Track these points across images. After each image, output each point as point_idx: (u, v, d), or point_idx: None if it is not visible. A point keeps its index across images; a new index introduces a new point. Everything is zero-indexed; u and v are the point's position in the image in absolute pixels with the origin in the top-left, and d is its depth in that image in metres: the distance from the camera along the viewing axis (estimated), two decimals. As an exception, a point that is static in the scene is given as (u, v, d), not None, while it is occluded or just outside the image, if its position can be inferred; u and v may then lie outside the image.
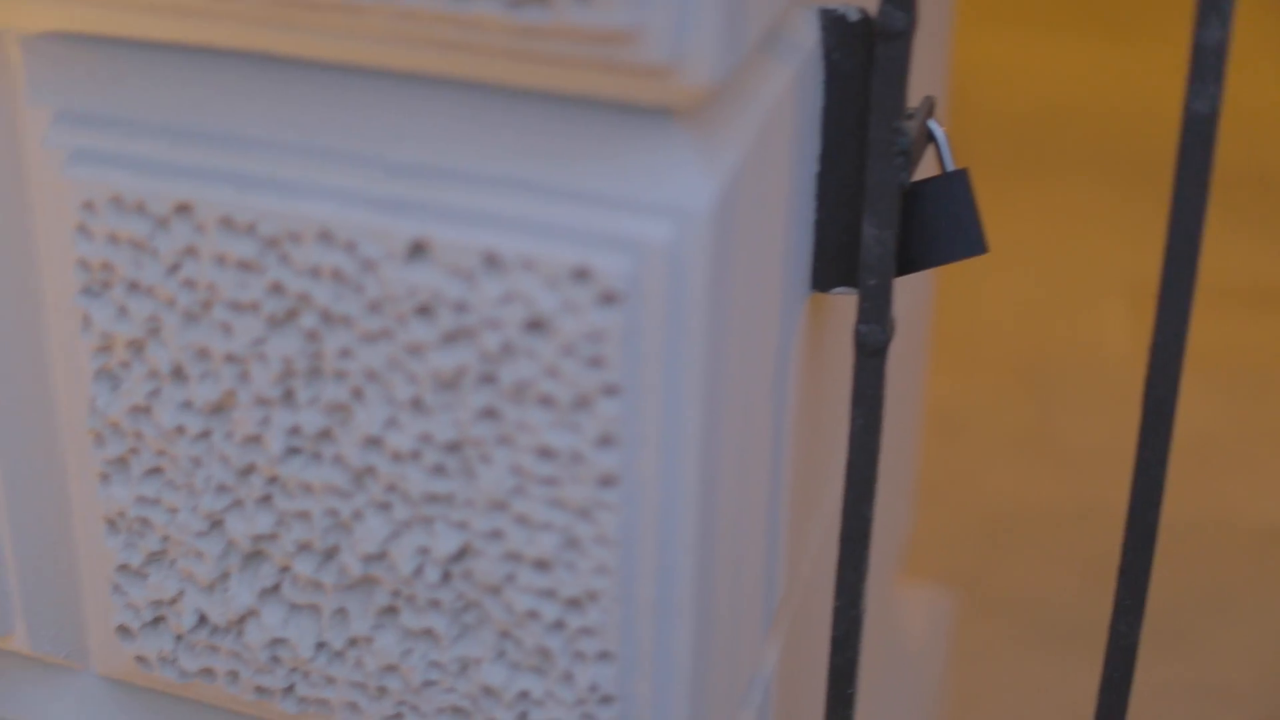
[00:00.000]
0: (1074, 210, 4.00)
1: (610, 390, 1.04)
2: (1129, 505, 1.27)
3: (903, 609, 2.54)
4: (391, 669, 1.19)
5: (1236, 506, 3.06)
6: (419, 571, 1.15)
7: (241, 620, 1.22)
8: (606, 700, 1.14)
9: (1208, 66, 1.13)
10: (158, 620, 1.25)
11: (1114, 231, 3.83)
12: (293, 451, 1.14)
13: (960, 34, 4.80)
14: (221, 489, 1.17)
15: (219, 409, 1.15)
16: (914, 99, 1.23)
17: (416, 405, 1.09)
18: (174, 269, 1.11)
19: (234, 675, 1.24)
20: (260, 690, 1.23)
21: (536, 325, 1.04)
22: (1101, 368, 3.36)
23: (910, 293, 1.91)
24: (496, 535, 1.11)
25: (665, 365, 1.03)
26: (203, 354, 1.13)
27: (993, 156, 4.23)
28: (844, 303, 1.44)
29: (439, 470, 1.11)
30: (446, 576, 1.14)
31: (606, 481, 1.07)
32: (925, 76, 1.70)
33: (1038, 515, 2.99)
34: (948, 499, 3.03)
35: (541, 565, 1.11)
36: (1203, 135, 1.15)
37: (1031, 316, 3.59)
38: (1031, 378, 3.37)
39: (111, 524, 1.22)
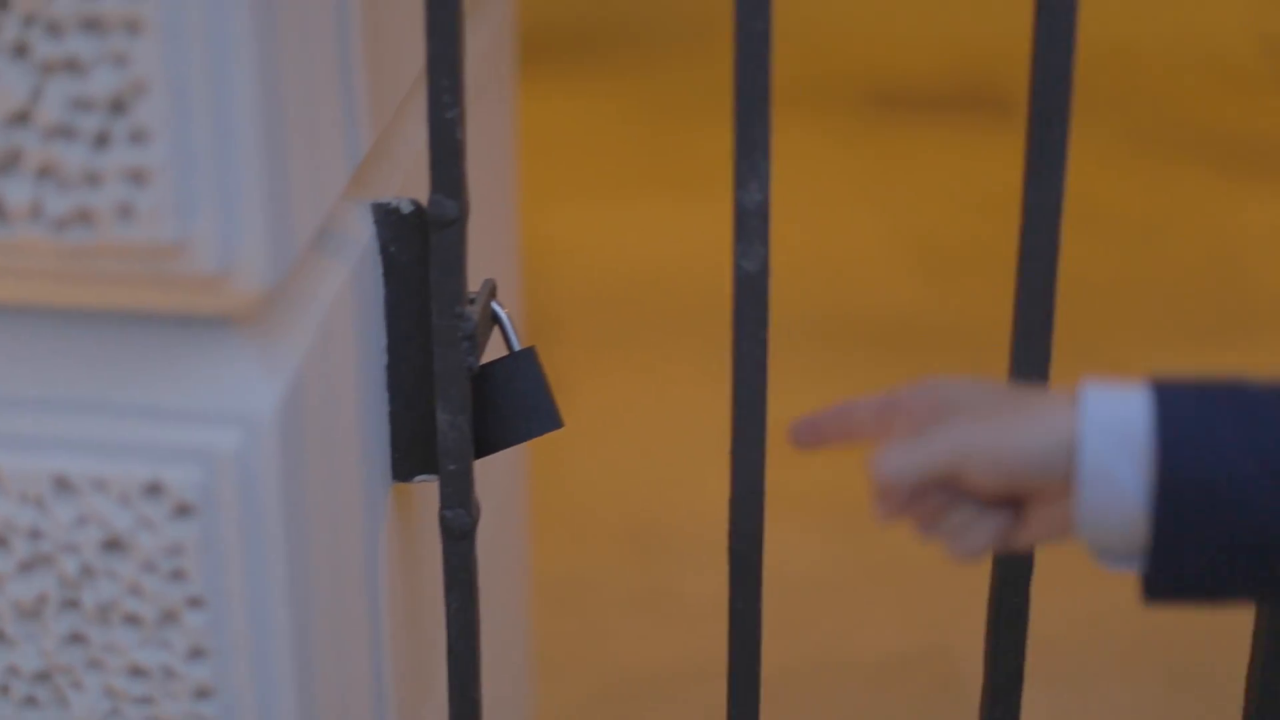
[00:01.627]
0: (667, 370, 4.08)
1: (195, 603, 1.03)
2: (729, 658, 1.30)
3: (535, 784, 2.53)
4: None
5: (847, 642, 3.13)
6: (17, 810, 1.11)
7: None
8: None
9: (751, 227, 1.18)
10: None
11: (706, 387, 3.92)
12: (-128, 702, 1.10)
13: (530, 210, 4.89)
14: None
15: None
16: (477, 282, 1.25)
17: (-1, 639, 1.07)
18: None
19: None
20: None
21: (114, 545, 1.03)
22: (708, 522, 3.43)
23: (502, 470, 1.92)
24: (95, 763, 1.09)
25: (247, 572, 1.02)
26: None
27: (582, 327, 4.30)
28: (431, 489, 1.45)
29: (30, 701, 1.08)
30: (47, 811, 1.11)
31: (202, 694, 1.06)
32: (490, 258, 1.73)
33: (660, 674, 3.03)
34: (570, 668, 3.04)
35: (144, 788, 1.09)
36: (754, 291, 1.20)
37: (636, 479, 3.65)
38: (642, 539, 3.42)
39: None
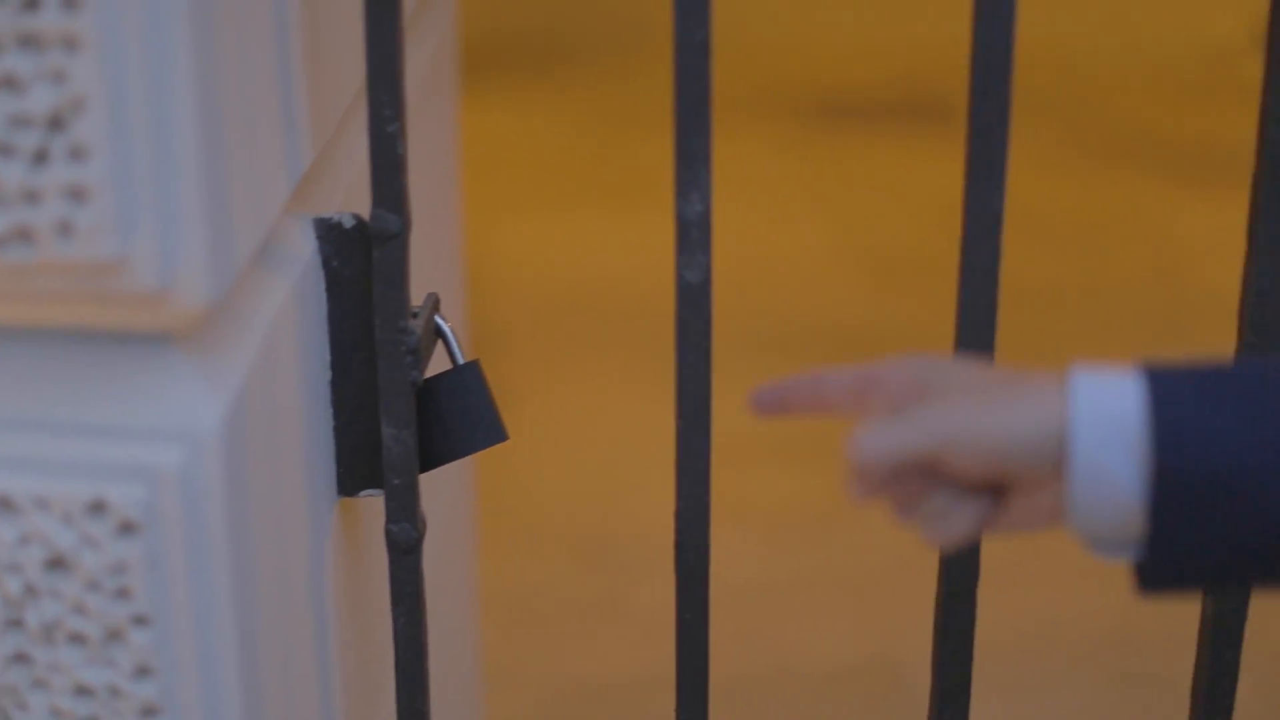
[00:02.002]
0: (613, 381, 4.08)
1: (140, 621, 1.03)
2: (677, 668, 1.30)
3: (486, 798, 2.53)
4: None
5: (795, 652, 3.14)
6: (-37, 832, 1.11)
7: None
8: None
9: (693, 238, 1.18)
10: None
11: (652, 398, 3.92)
12: None
13: (473, 223, 4.88)
14: None
15: None
16: (420, 296, 1.25)
17: (-58, 661, 1.06)
18: None
19: None
20: None
21: (57, 564, 1.02)
22: (656, 532, 3.42)
23: (448, 483, 1.92)
24: (41, 783, 1.08)
25: (192, 589, 1.02)
26: None
27: (527, 340, 4.29)
28: (377, 503, 1.44)
29: (-27, 724, 1.08)
30: (-8, 833, 1.11)
31: (148, 712, 1.05)
32: (433, 272, 1.73)
33: (609, 685, 3.02)
34: (519, 679, 3.03)
35: (90, 808, 1.08)
36: (697, 302, 1.20)
37: (583, 490, 3.64)
38: (589, 550, 3.42)
39: None
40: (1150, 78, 6.20)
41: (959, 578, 1.28)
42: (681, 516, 1.26)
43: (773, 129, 5.71)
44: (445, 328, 1.27)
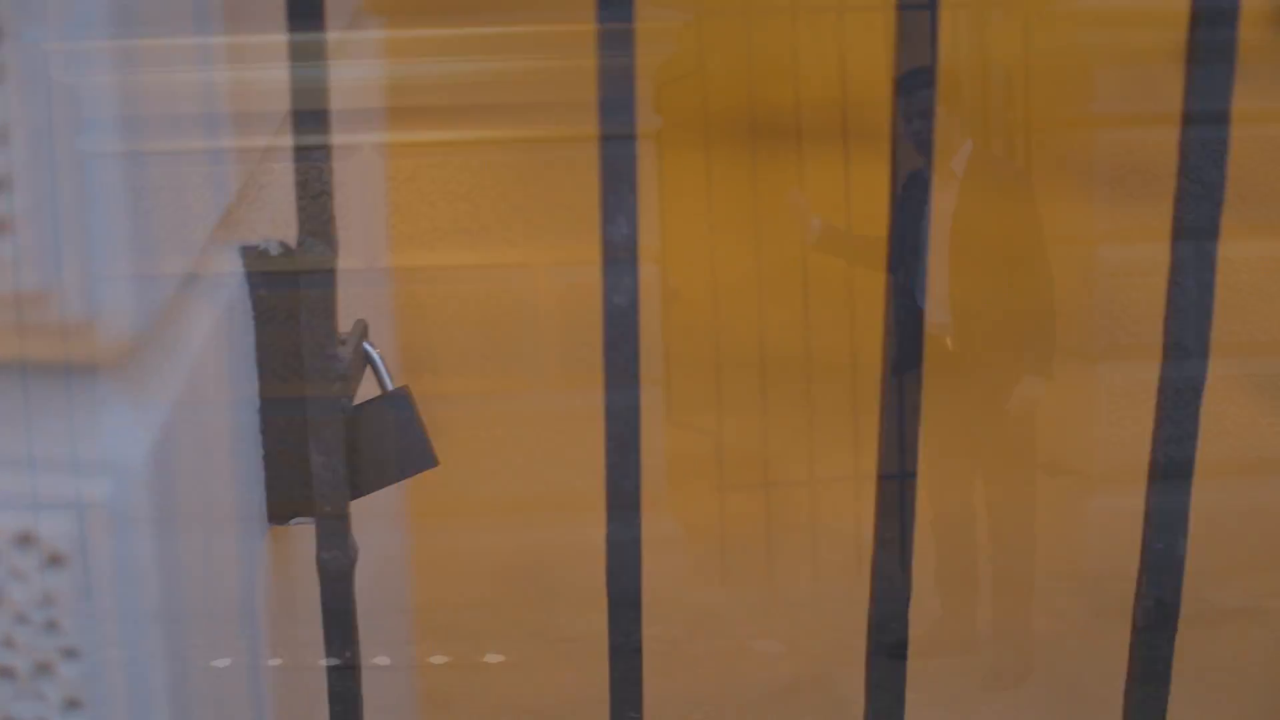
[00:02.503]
0: (545, 406, 4.08)
1: (69, 653, 1.02)
2: (609, 693, 1.30)
3: (422, 824, 2.52)
4: None
5: (729, 674, 3.15)
6: None
7: None
8: None
9: (620, 262, 1.18)
10: None
11: (584, 423, 3.92)
12: None
13: (403, 249, 4.87)
14: None
15: None
16: (349, 323, 1.24)
17: None
18: None
19: None
20: None
21: (-15, 598, 1.01)
22: (589, 558, 3.42)
23: (380, 510, 1.91)
24: (-30, 819, 1.07)
25: (121, 621, 1.01)
26: None
27: (457, 365, 4.28)
28: (309, 530, 1.44)
29: (-98, 760, 1.07)
30: None
31: (79, 746, 1.04)
32: (362, 298, 1.72)
33: (546, 708, 3.03)
34: (453, 706, 3.03)
35: (21, 843, 1.07)
36: (625, 326, 1.20)
37: (514, 516, 3.64)
38: (522, 576, 3.42)
39: None
40: (1071, 94, 6.23)
41: (890, 600, 1.28)
42: (612, 540, 1.25)
43: (704, 153, 5.72)
44: (374, 354, 1.26)
